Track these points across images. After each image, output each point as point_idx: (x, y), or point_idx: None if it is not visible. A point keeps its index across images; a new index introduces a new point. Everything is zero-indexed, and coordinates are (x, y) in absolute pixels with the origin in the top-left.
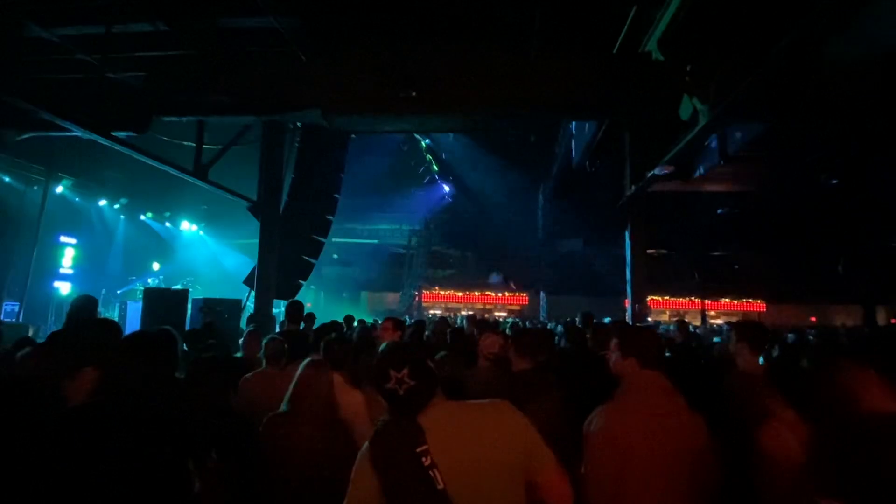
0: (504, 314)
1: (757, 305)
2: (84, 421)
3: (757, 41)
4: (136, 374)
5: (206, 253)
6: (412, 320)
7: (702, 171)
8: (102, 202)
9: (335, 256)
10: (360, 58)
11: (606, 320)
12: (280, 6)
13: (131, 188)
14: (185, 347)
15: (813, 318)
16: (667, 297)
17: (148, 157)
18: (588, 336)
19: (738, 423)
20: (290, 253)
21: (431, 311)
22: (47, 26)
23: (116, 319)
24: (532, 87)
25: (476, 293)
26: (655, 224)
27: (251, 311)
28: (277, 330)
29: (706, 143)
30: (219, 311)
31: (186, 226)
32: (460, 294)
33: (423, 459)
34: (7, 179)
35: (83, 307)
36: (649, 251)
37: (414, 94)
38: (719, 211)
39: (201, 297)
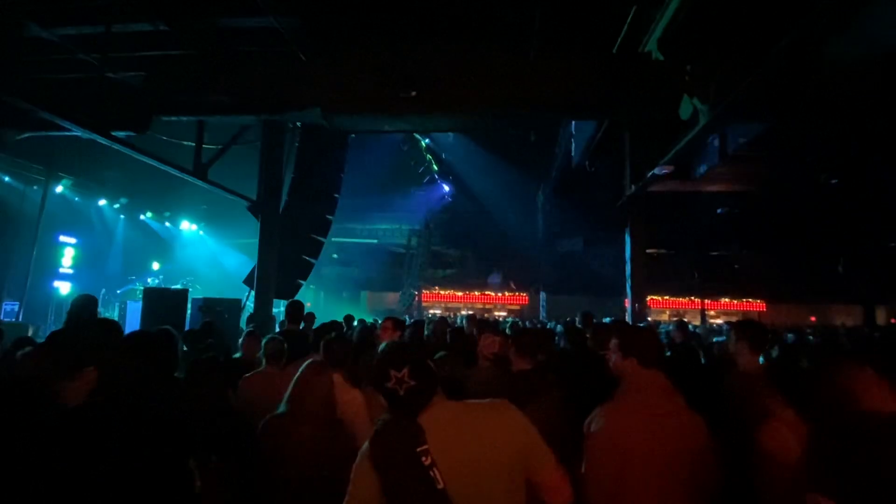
0: (504, 314)
1: (757, 305)
2: (84, 421)
3: (757, 41)
4: (136, 374)
5: (206, 253)
6: (412, 320)
7: (702, 170)
8: (102, 202)
9: (335, 256)
10: (360, 58)
11: (606, 320)
12: (280, 6)
13: (131, 188)
14: (184, 347)
15: (813, 318)
16: (667, 297)
17: (148, 156)
18: (588, 336)
19: (738, 423)
20: (290, 253)
21: (431, 311)
22: (47, 26)
23: (116, 319)
24: (532, 87)
25: (476, 293)
26: (655, 224)
27: (251, 310)
28: (277, 330)
29: (706, 143)
30: (218, 311)
31: (186, 225)
32: (460, 294)
33: (424, 459)
34: (7, 179)
35: (83, 307)
36: (649, 251)
37: (414, 94)
38: (719, 211)
39: (201, 296)
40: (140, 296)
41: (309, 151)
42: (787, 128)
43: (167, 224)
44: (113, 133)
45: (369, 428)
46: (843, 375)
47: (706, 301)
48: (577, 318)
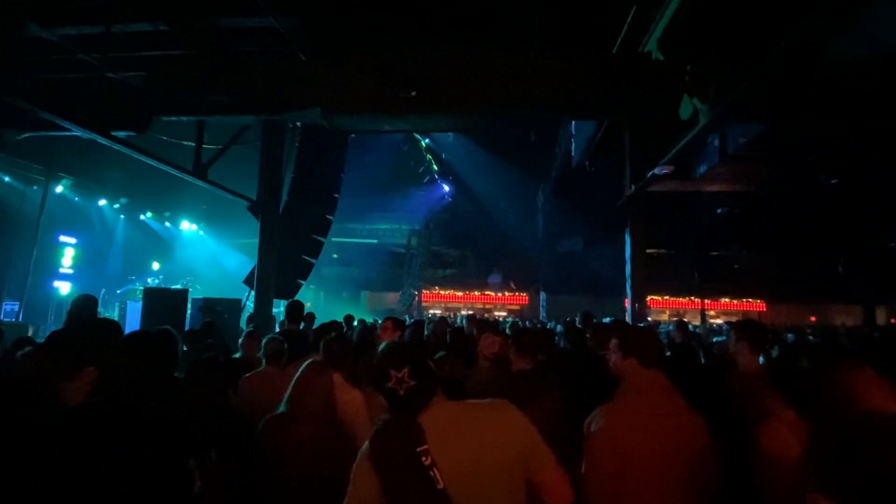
0: (504, 314)
1: (757, 305)
2: (84, 421)
3: (757, 41)
4: (136, 374)
5: (206, 253)
6: (412, 320)
7: (702, 170)
8: (102, 202)
9: (335, 256)
10: (360, 58)
11: (606, 320)
12: (280, 6)
13: (131, 188)
14: (184, 347)
15: (813, 318)
16: (666, 297)
17: (148, 156)
18: (588, 336)
19: (738, 422)
20: (290, 253)
21: (431, 311)
22: (47, 26)
23: (116, 319)
24: (532, 87)
25: (476, 293)
26: (655, 224)
27: (251, 310)
28: (277, 330)
29: (706, 143)
30: (218, 311)
31: (186, 225)
32: (460, 294)
33: (424, 459)
34: (7, 179)
35: (83, 307)
36: (649, 251)
37: (414, 94)
38: (719, 211)
39: (201, 296)
40: (140, 296)
41: (309, 151)
42: (787, 128)
43: (167, 224)
44: (113, 133)
45: (369, 428)
46: (843, 375)
47: (706, 301)
48: (577, 318)
